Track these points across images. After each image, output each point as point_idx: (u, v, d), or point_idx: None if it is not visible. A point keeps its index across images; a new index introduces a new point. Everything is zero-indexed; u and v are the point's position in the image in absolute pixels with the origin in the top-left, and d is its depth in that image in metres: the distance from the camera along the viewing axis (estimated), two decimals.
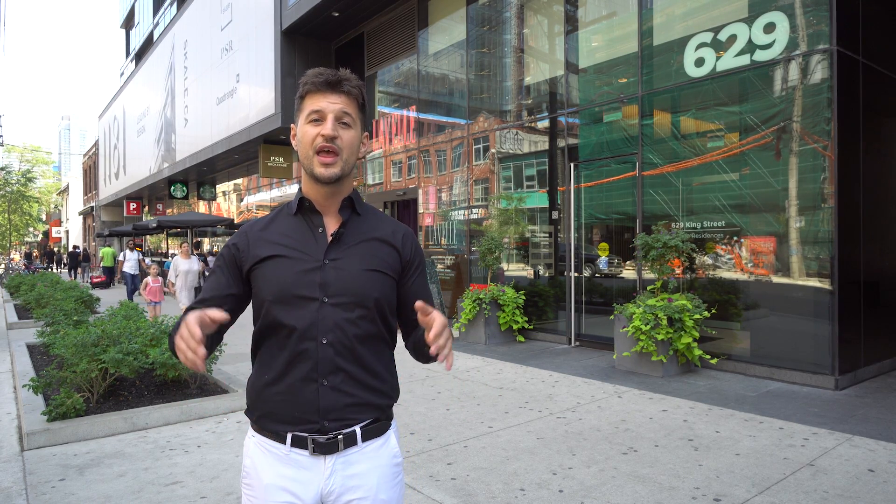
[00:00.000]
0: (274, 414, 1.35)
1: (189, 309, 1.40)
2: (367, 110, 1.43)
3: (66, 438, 4.22)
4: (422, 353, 1.43)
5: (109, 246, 24.21)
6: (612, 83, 7.51)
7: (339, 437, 1.34)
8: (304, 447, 1.34)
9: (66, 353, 4.76)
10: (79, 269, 26.20)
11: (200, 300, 1.41)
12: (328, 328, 1.33)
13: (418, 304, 1.25)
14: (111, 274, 21.34)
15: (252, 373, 1.44)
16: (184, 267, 9.11)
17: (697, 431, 4.26)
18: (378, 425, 1.41)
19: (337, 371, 1.34)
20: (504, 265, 9.04)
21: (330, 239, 1.38)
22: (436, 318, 1.24)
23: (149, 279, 9.61)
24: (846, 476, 3.43)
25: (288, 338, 1.34)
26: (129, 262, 14.92)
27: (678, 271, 6.48)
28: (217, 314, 1.19)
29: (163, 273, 17.54)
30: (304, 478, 1.34)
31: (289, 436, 1.34)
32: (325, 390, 1.33)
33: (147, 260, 16.04)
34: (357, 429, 1.37)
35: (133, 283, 14.62)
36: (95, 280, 21.06)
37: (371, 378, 1.38)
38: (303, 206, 1.41)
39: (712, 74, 6.28)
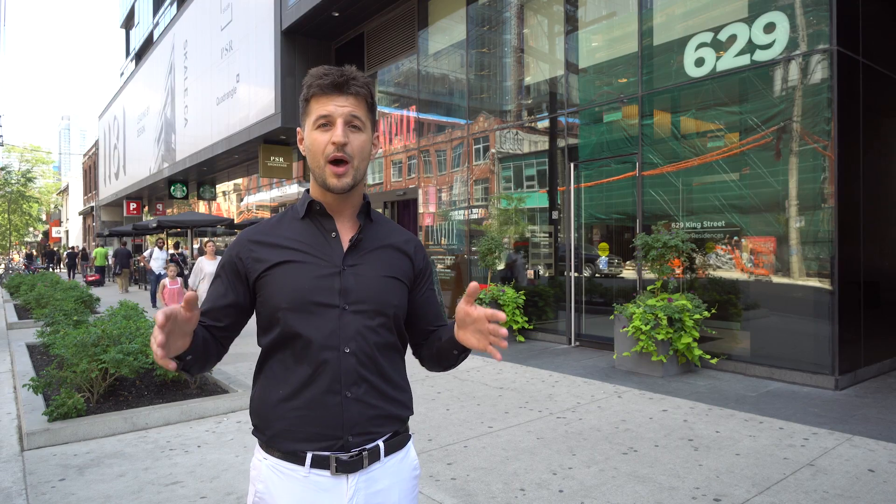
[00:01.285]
0: (291, 432, 1.26)
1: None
2: (376, 109, 1.38)
3: (66, 438, 4.22)
4: (446, 356, 1.36)
5: (103, 246, 24.63)
6: (612, 83, 7.51)
7: (364, 453, 1.28)
8: (326, 467, 1.26)
9: (66, 353, 4.76)
10: (77, 268, 26.55)
11: (201, 313, 1.33)
12: (350, 336, 1.26)
13: (473, 285, 1.18)
14: (104, 272, 22.34)
15: (257, 389, 1.34)
16: (209, 269, 8.20)
17: (697, 431, 4.26)
18: (399, 438, 1.36)
19: (360, 382, 1.27)
20: (529, 269, 9.02)
21: (347, 244, 1.32)
22: (487, 310, 1.19)
23: (166, 281, 8.55)
24: (846, 476, 3.43)
25: (306, 348, 1.26)
26: (157, 260, 13.68)
27: (678, 271, 6.48)
28: (189, 297, 1.12)
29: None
30: (325, 500, 1.26)
31: (308, 456, 1.25)
32: (348, 402, 1.26)
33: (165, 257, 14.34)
34: (380, 443, 1.31)
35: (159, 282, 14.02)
36: (90, 278, 21.41)
37: (391, 388, 1.34)
38: (312, 209, 1.34)
39: (712, 74, 6.28)
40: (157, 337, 1.08)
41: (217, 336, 1.34)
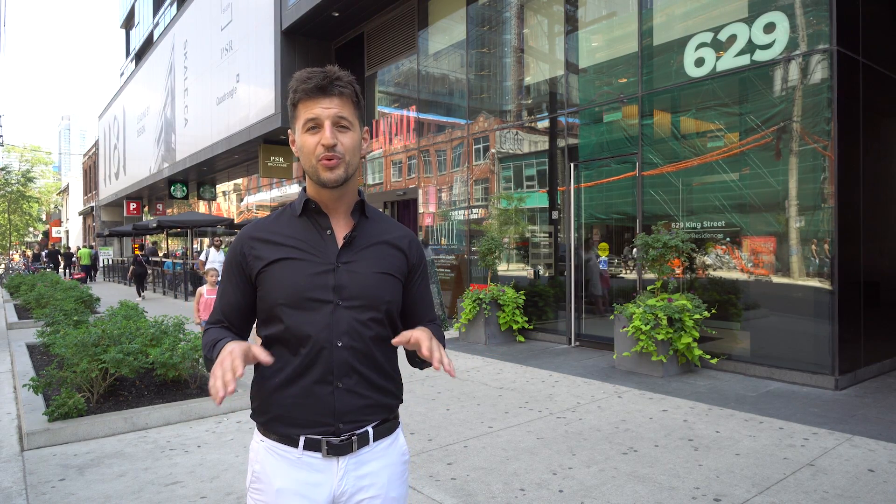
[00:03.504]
0: (286, 417, 1.34)
1: (211, 329, 1.40)
2: (363, 105, 1.42)
3: (66, 438, 4.22)
4: (415, 359, 1.45)
5: (87, 247, 26.63)
6: (612, 83, 7.51)
7: (354, 438, 1.35)
8: (318, 450, 1.33)
9: (67, 353, 4.76)
10: (71, 267, 27.43)
11: (218, 320, 1.41)
12: (343, 331, 1.33)
13: (396, 340, 1.30)
14: (89, 271, 24.19)
15: (256, 375, 1.41)
16: None
17: (697, 431, 4.26)
18: (388, 424, 1.42)
19: (351, 373, 1.34)
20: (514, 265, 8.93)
21: (341, 242, 1.37)
22: (419, 337, 1.28)
23: (203, 289, 7.05)
24: (846, 476, 3.43)
25: (301, 341, 1.32)
26: (215, 263, 11.92)
27: (678, 271, 6.48)
28: (264, 357, 1.21)
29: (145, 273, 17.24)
30: (316, 480, 1.34)
31: (301, 439, 1.33)
32: (340, 393, 1.33)
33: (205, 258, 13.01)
34: (369, 429, 1.38)
35: None
36: (76, 276, 22.37)
37: (383, 379, 1.40)
38: (308, 207, 1.39)
39: (712, 74, 6.28)
40: (230, 388, 1.12)
41: (243, 334, 1.43)
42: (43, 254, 32.17)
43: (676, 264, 6.25)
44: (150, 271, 18.69)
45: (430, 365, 1.44)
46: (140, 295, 16.64)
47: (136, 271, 17.03)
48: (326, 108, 1.31)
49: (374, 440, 1.38)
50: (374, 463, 1.38)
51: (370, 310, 1.35)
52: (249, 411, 1.43)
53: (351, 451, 1.35)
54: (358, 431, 1.35)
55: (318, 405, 1.32)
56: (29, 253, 42.27)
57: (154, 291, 19.12)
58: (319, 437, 1.33)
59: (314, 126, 1.32)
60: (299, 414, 1.33)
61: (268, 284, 1.35)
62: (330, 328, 1.32)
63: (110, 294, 17.31)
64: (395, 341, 1.31)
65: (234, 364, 1.15)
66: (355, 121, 1.36)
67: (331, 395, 1.32)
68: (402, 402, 1.48)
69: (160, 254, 24.35)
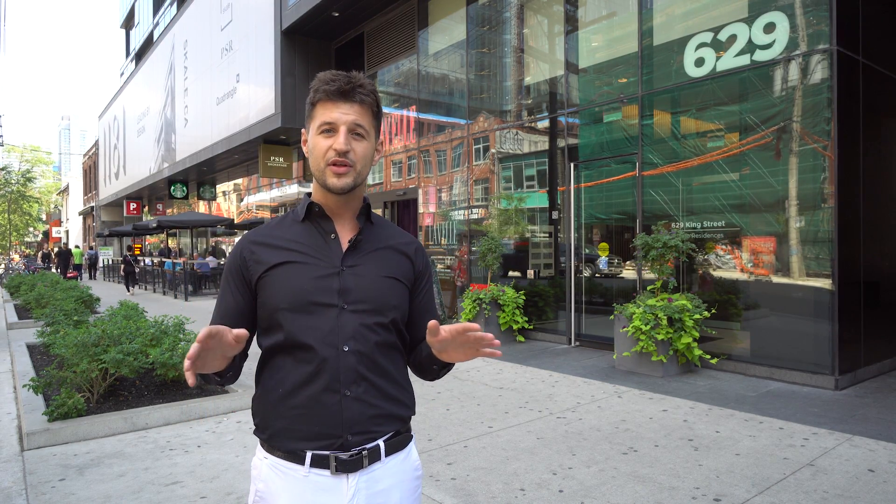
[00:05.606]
0: (290, 430, 1.27)
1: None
2: (381, 115, 1.37)
3: (66, 438, 4.22)
4: (428, 370, 1.40)
5: (78, 247, 28.24)
6: (612, 83, 7.51)
7: (364, 452, 1.27)
8: (326, 467, 1.25)
9: (67, 353, 4.75)
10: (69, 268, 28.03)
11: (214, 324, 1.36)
12: (349, 335, 1.27)
13: (431, 323, 1.20)
14: (80, 270, 25.86)
15: (259, 389, 1.35)
16: None
17: (697, 431, 4.26)
18: (400, 438, 1.36)
19: (360, 380, 1.27)
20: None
21: (346, 245, 1.33)
22: (454, 327, 1.19)
23: None
24: (846, 476, 3.43)
25: (305, 347, 1.26)
26: None
27: None
28: (240, 332, 1.13)
29: (130, 270, 18.68)
30: (325, 501, 1.26)
31: (308, 455, 1.25)
32: (348, 401, 1.26)
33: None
34: (381, 443, 1.30)
35: None
36: (70, 275, 22.87)
37: (392, 388, 1.33)
38: (312, 211, 1.35)
39: (712, 74, 6.28)
40: (190, 350, 1.07)
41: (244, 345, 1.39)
42: (53, 252, 32.24)
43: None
44: (136, 269, 20.72)
45: (440, 376, 1.40)
46: (129, 290, 18.44)
47: (125, 269, 18.63)
48: (345, 114, 1.27)
49: (386, 455, 1.31)
50: (387, 480, 1.31)
51: (377, 314, 1.30)
52: (250, 410, 1.38)
53: (361, 467, 1.27)
54: (368, 446, 1.28)
55: (324, 415, 1.25)
56: (29, 252, 42.04)
57: (154, 291, 19.14)
58: (328, 452, 1.25)
59: (329, 129, 1.28)
60: (305, 425, 1.26)
61: (269, 289, 1.30)
62: (335, 333, 1.26)
63: (109, 293, 17.32)
64: (431, 325, 1.19)
65: (193, 346, 1.07)
66: (372, 130, 1.32)
67: (338, 403, 1.25)
68: (414, 413, 1.39)
69: (155, 252, 24.76)
